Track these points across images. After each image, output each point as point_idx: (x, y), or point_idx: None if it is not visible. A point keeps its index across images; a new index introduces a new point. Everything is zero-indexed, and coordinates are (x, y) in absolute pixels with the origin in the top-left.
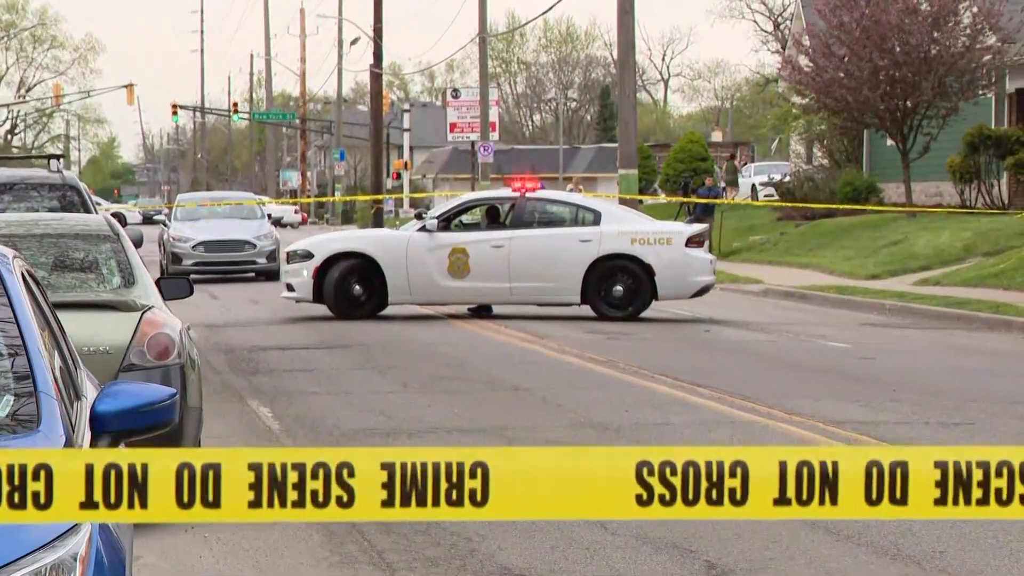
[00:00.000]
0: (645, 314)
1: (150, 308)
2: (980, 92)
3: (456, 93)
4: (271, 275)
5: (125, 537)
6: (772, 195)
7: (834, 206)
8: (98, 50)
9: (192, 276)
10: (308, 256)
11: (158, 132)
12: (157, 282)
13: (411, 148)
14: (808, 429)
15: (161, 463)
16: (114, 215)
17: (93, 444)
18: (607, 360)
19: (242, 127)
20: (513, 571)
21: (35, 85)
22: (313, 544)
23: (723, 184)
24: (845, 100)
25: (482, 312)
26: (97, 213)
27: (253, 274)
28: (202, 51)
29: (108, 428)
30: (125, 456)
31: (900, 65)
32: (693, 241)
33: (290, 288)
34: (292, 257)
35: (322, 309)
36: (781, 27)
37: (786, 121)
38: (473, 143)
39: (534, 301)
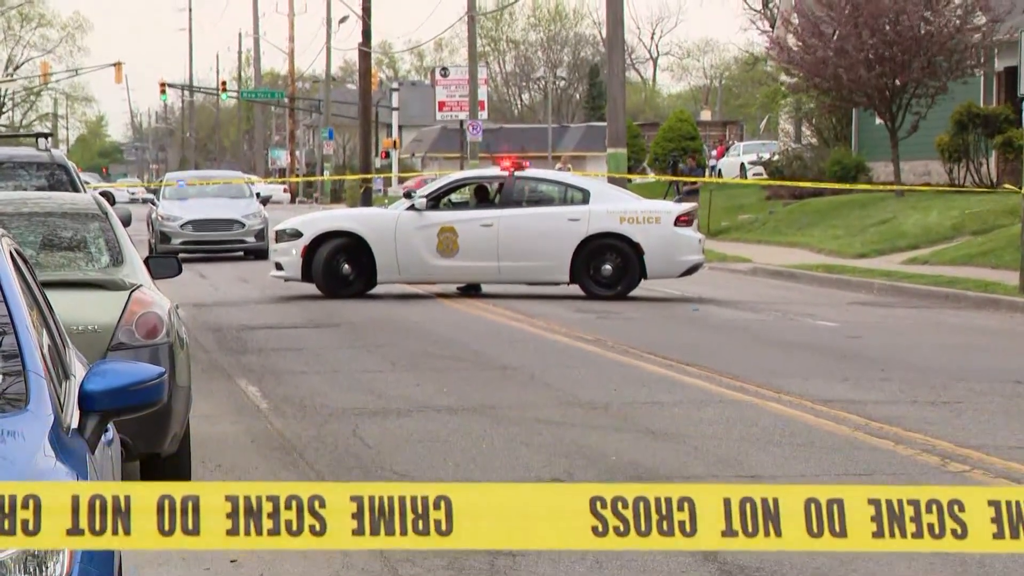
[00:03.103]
0: (634, 293)
1: (138, 287)
2: (969, 71)
3: (445, 72)
4: (260, 254)
5: None
6: (761, 174)
7: (823, 185)
8: (86, 28)
9: (181, 255)
10: (297, 235)
11: (146, 111)
12: (146, 261)
13: (400, 127)
14: (796, 408)
15: (143, 494)
16: (103, 194)
17: (82, 423)
18: (596, 339)
19: (230, 106)
20: (501, 549)
21: (23, 63)
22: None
23: (711, 163)
24: (835, 79)
25: (471, 291)
26: (85, 192)
27: (242, 253)
28: (190, 29)
29: (97, 407)
30: (109, 488)
31: (890, 44)
32: (682, 220)
33: (279, 267)
34: (281, 236)
35: (311, 288)
36: (770, 5)
37: (775, 100)
38: (462, 122)
39: (523, 280)
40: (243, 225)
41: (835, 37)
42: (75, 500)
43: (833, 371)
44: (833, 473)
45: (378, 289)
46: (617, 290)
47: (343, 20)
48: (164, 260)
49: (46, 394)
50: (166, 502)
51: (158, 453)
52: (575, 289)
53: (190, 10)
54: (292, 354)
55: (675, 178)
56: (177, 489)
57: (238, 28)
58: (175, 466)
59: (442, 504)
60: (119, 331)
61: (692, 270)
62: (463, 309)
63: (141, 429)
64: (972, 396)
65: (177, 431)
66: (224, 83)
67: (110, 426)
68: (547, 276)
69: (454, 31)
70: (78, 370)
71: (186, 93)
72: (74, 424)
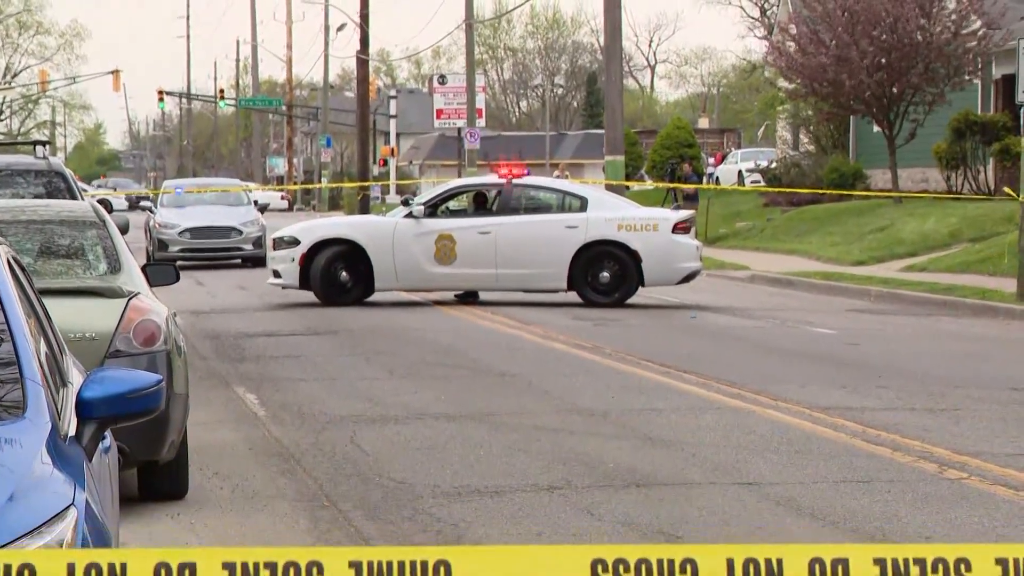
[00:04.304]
0: (632, 300)
1: (136, 294)
2: (966, 78)
3: (443, 79)
4: (257, 261)
5: (111, 524)
6: (758, 181)
7: (820, 192)
8: (83, 36)
9: (178, 262)
10: (295, 243)
11: (144, 118)
12: (143, 268)
13: (398, 135)
14: (794, 415)
15: (139, 562)
16: (100, 201)
17: (79, 430)
18: (593, 346)
19: (228, 113)
20: None
21: (21, 71)
22: (299, 531)
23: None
24: (834, 85)
25: (468, 298)
26: (83, 199)
27: (239, 260)
28: (188, 37)
29: (94, 414)
30: (105, 556)
31: (887, 51)
32: (680, 227)
33: (276, 275)
34: (279, 243)
35: (308, 296)
36: (767, 13)
37: (772, 107)
38: (460, 129)
39: (520, 287)
40: (241, 233)
41: (833, 44)
42: (71, 568)
43: (831, 378)
44: (831, 480)
45: (376, 297)
46: (615, 297)
47: (341, 28)
48: (162, 267)
49: (43, 402)
50: (163, 570)
51: (155, 461)
52: (573, 296)
53: (188, 18)
54: (290, 361)
55: (673, 185)
56: (174, 556)
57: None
58: (172, 474)
59: (441, 570)
60: (116, 339)
61: (690, 277)
62: (461, 316)
63: (139, 437)
64: (969, 403)
65: (175, 438)
66: (222, 91)
67: (108, 433)
68: (545, 283)
69: (452, 39)
70: (76, 378)
71: (184, 101)
72: (72, 432)
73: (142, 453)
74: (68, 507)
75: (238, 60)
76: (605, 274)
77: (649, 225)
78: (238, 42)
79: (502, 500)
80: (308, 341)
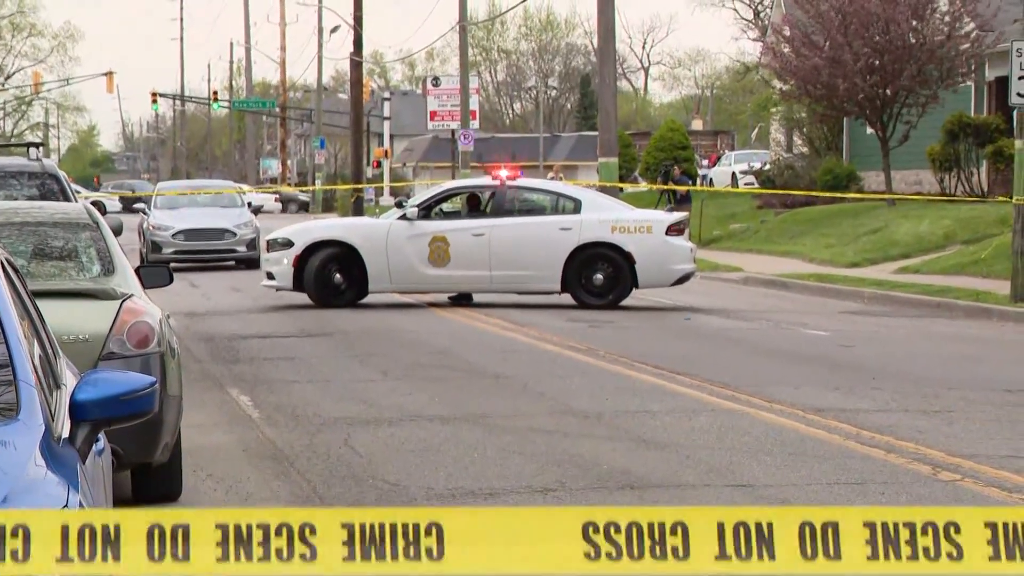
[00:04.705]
0: (625, 302)
1: (130, 296)
2: (960, 80)
3: (436, 81)
4: (251, 263)
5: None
6: (752, 183)
7: (814, 194)
8: (77, 38)
9: (172, 264)
10: (288, 244)
11: (138, 120)
12: (137, 270)
13: (391, 136)
14: (788, 417)
15: (133, 521)
16: (94, 203)
17: (73, 432)
18: (587, 348)
19: (222, 115)
20: None
21: (14, 73)
22: None
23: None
24: (828, 87)
25: (462, 300)
26: (76, 201)
27: (233, 262)
28: (182, 39)
29: (88, 416)
30: (99, 516)
31: (880, 53)
32: (673, 229)
33: (270, 276)
34: (272, 245)
35: (302, 298)
36: (761, 15)
37: (766, 108)
38: (453, 131)
39: (514, 289)
40: (234, 235)
41: (826, 46)
42: (64, 528)
43: (825, 380)
44: (825, 482)
45: (370, 299)
46: (609, 299)
47: (335, 30)
48: (155, 269)
49: (37, 404)
50: (156, 530)
51: (149, 463)
52: (566, 298)
53: (181, 20)
54: (284, 363)
55: (666, 187)
56: (167, 516)
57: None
58: (166, 476)
59: (433, 530)
60: (110, 341)
61: (684, 279)
62: (455, 318)
63: (132, 439)
64: (963, 405)
65: (168, 441)
66: (215, 92)
67: (101, 436)
68: (538, 285)
69: (445, 41)
70: (69, 380)
71: (177, 103)
72: (65, 434)
73: (136, 455)
74: (62, 509)
75: (232, 62)
76: (599, 276)
77: (643, 227)
78: (232, 44)
79: (496, 502)
80: (302, 343)
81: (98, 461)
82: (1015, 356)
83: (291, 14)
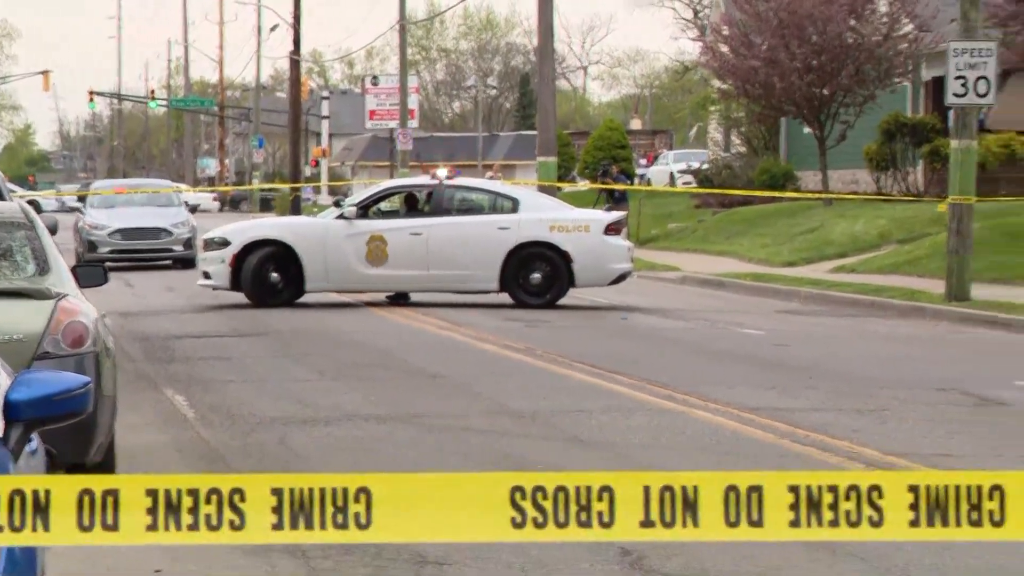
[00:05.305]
0: (563, 302)
1: (65, 296)
2: (897, 80)
3: (375, 80)
4: (188, 263)
5: None
6: (690, 182)
7: (751, 193)
8: (13, 36)
9: (108, 264)
10: (225, 244)
11: (74, 119)
12: (72, 270)
13: (330, 135)
14: (724, 416)
15: (63, 489)
16: (29, 202)
17: (6, 432)
18: (524, 347)
19: (160, 114)
20: (428, 558)
21: None
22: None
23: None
24: (766, 87)
25: (400, 300)
26: (11, 200)
27: (170, 262)
28: (119, 37)
29: (21, 416)
30: (29, 483)
31: (818, 53)
32: (611, 229)
33: (207, 276)
34: (209, 245)
35: (239, 297)
36: (700, 15)
37: (704, 108)
38: (392, 130)
39: (452, 289)
40: (171, 234)
41: (764, 47)
42: None
43: (760, 379)
44: None
45: (307, 298)
46: (546, 299)
47: (273, 28)
48: (91, 269)
49: None
50: (86, 497)
51: (83, 463)
52: (504, 298)
53: (119, 18)
54: (219, 363)
55: (605, 186)
56: (98, 483)
57: (167, 36)
58: None
59: (362, 497)
60: (45, 340)
61: (621, 279)
62: (392, 318)
63: (66, 439)
64: (897, 404)
65: (103, 441)
66: (153, 91)
67: (35, 436)
68: (476, 284)
69: (385, 40)
70: (3, 379)
71: (115, 101)
72: None
73: (70, 455)
74: None
75: (170, 60)
76: (537, 275)
77: (581, 226)
78: (170, 42)
79: None
80: (238, 343)
81: (31, 461)
82: (949, 355)
83: (229, 13)
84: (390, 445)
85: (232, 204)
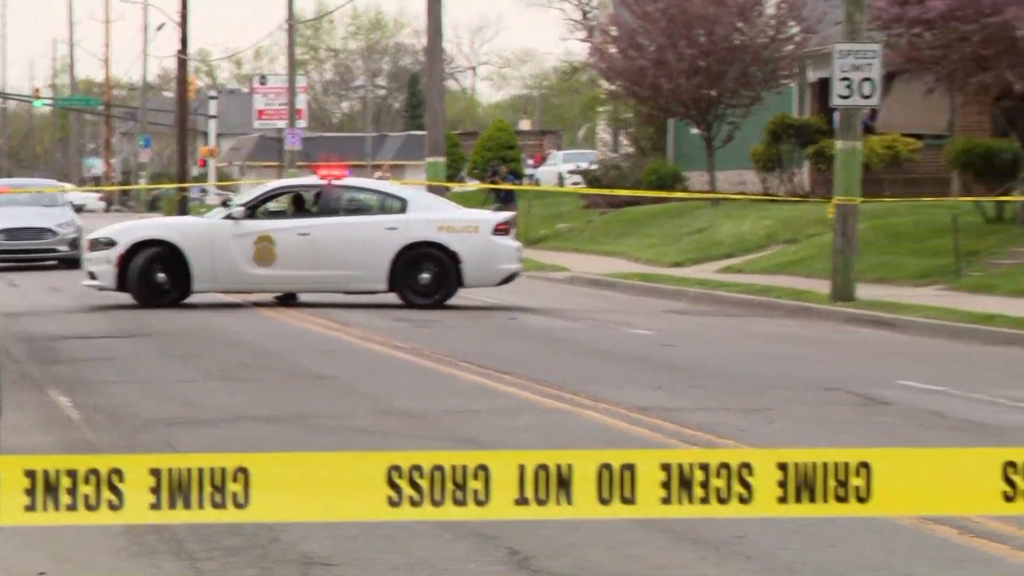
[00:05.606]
0: (451, 302)
1: None
2: (783, 82)
3: (263, 80)
4: (73, 263)
5: None
6: (579, 183)
7: (639, 193)
8: None
9: None
10: (111, 244)
11: None
12: None
13: (218, 135)
14: (612, 416)
15: None
16: None
17: None
18: (412, 348)
19: (45, 113)
20: (315, 559)
21: None
22: (112, 534)
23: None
24: (653, 88)
25: (288, 300)
26: None
27: (55, 262)
28: (3, 35)
29: None
30: None
31: (706, 54)
32: (500, 229)
33: (93, 276)
34: (95, 245)
35: (124, 298)
36: (589, 15)
37: (593, 108)
38: (280, 130)
39: (341, 289)
40: (56, 234)
41: (652, 48)
42: None
43: (648, 379)
44: None
45: (194, 298)
46: (435, 299)
47: (160, 27)
48: None
49: None
50: None
51: None
52: (393, 298)
53: (3, 16)
54: (104, 364)
55: (494, 186)
56: None
57: (53, 35)
58: None
59: (240, 477)
60: None
61: (510, 279)
62: (280, 318)
63: None
64: (783, 403)
65: None
66: (37, 90)
67: None
68: (365, 285)
69: (273, 39)
70: None
71: None
72: None
73: None
74: None
75: (55, 59)
76: (425, 275)
77: (469, 227)
78: (55, 41)
79: None
80: (123, 343)
81: None
82: (834, 354)
83: (116, 11)
84: (276, 446)
85: (121, 203)
